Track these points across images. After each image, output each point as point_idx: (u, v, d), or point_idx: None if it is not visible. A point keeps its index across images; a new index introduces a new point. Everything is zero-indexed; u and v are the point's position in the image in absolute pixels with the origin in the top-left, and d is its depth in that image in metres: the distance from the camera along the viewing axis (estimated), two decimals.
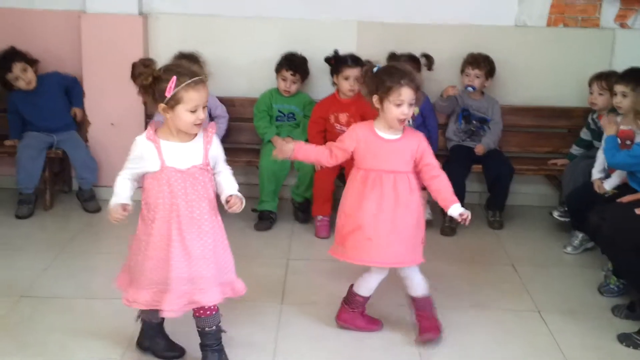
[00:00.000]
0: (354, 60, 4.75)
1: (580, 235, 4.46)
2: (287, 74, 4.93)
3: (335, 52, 4.83)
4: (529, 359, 3.27)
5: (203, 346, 3.06)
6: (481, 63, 4.93)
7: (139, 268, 2.95)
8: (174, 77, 2.76)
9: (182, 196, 2.86)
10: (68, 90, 5.14)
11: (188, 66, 2.90)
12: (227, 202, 2.94)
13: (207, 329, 3.02)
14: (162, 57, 4.93)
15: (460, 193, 4.77)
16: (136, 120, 5.14)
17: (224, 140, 5.00)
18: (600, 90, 4.69)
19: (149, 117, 5.12)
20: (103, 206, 4.99)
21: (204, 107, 2.84)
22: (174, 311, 2.92)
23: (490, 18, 5.15)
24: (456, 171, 4.79)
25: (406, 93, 3.13)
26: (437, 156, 4.87)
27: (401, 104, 3.14)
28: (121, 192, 2.92)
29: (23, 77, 4.90)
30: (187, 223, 2.88)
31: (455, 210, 3.23)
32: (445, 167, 4.83)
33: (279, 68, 4.97)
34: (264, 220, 4.82)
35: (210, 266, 2.93)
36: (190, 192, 2.88)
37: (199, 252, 2.90)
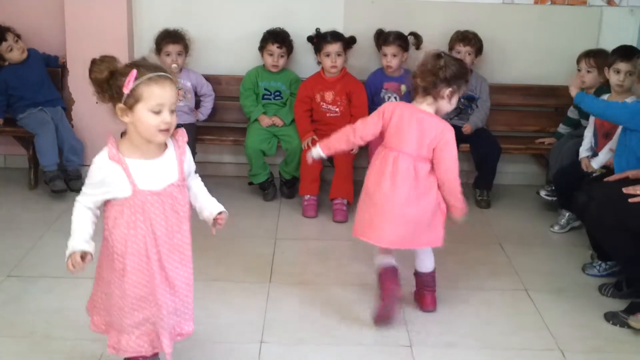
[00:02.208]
0: (333, 36, 4.75)
1: (567, 214, 4.47)
2: (274, 47, 4.89)
3: (317, 30, 4.82)
4: (517, 337, 3.28)
5: None
6: (471, 40, 4.91)
7: (117, 312, 2.53)
8: (134, 70, 2.32)
9: (161, 222, 2.46)
10: (47, 63, 5.14)
11: (155, 63, 2.49)
12: (216, 220, 2.62)
13: None
14: (147, 35, 4.93)
15: None
16: None
17: (210, 119, 4.99)
18: (589, 67, 4.66)
19: None
20: None
21: (172, 111, 2.39)
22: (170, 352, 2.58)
23: None
24: None
25: None
26: None
27: None
28: (79, 229, 2.48)
29: (16, 46, 4.91)
30: (167, 253, 2.50)
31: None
32: None
33: (264, 44, 4.92)
34: (267, 189, 4.83)
35: (191, 291, 2.61)
36: (171, 215, 2.48)
37: (183, 280, 2.56)
